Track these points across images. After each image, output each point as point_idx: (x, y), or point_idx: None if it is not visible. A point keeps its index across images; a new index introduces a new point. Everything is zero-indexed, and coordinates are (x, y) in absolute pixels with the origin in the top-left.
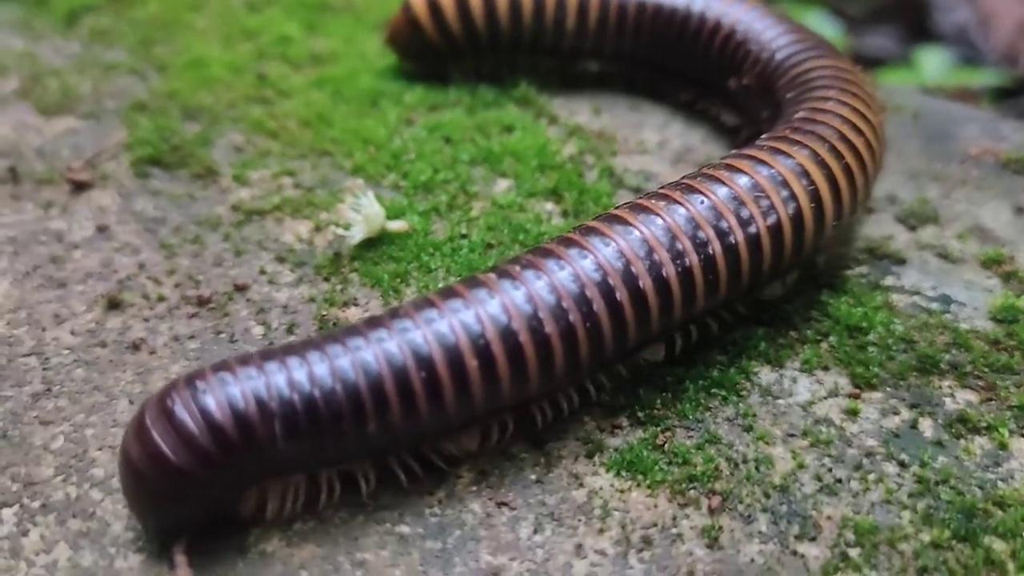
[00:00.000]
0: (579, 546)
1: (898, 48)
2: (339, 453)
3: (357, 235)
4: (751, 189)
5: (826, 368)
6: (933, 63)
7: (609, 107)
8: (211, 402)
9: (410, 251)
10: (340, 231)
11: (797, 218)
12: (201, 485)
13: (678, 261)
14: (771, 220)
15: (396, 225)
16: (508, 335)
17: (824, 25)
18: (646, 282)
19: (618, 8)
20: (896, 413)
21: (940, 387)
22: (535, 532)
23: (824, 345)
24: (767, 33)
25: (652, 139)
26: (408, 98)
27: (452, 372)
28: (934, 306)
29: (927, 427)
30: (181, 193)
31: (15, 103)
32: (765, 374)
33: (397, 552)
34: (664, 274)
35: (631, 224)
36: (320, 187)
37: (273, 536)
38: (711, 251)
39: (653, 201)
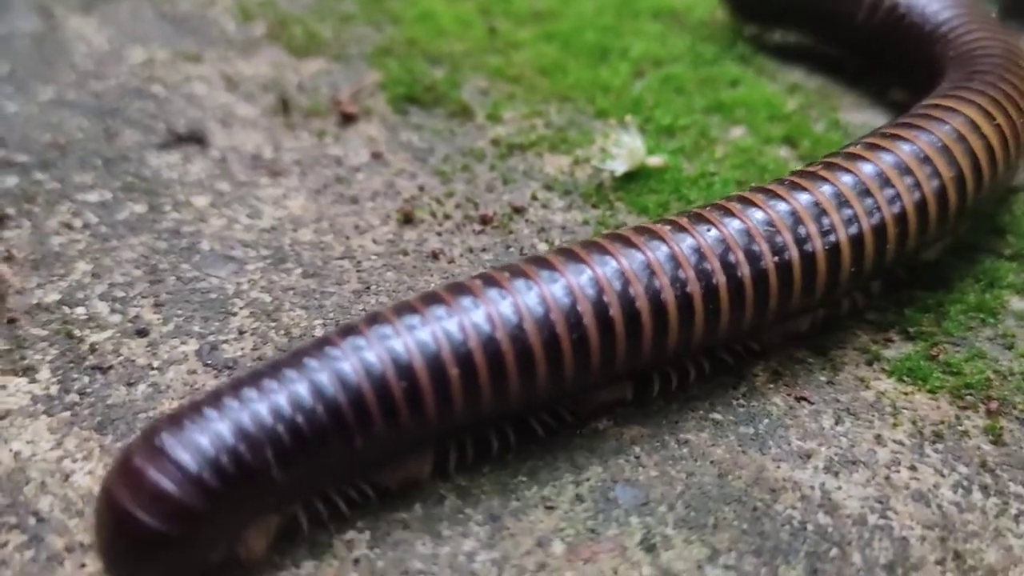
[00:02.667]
0: (878, 436)
1: None
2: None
3: (620, 167)
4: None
5: None
6: None
7: (818, 71)
8: (189, 458)
9: (667, 184)
10: (603, 164)
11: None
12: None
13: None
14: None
15: (654, 160)
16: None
17: None
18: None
19: None
20: None
21: None
22: (836, 423)
23: None
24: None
25: (868, 95)
26: (633, 52)
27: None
28: None
29: None
30: (441, 128)
31: (267, 45)
32: (1016, 302)
33: (715, 434)
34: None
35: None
36: (569, 127)
37: (602, 416)
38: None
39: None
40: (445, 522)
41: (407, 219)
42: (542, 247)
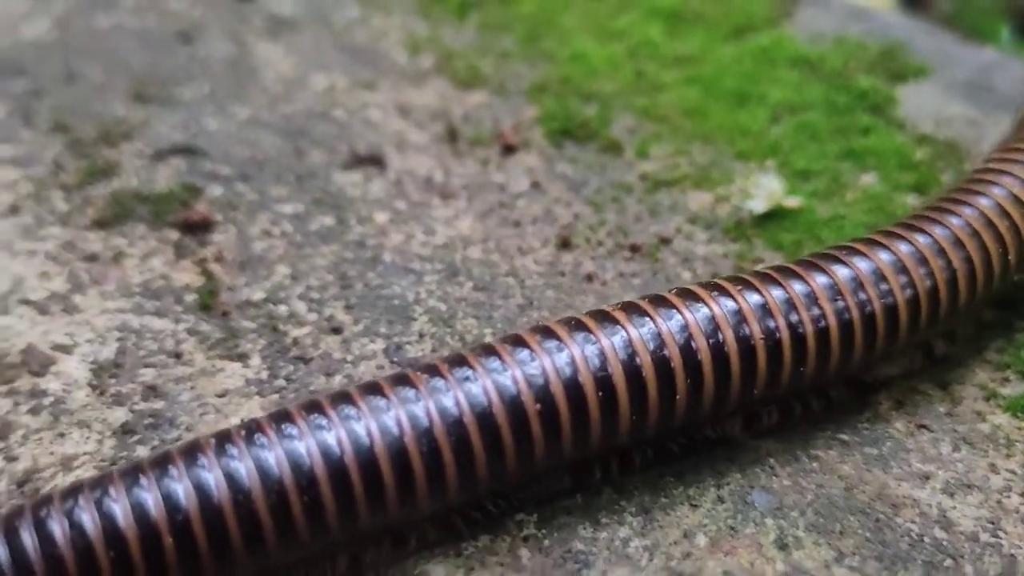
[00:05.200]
0: (992, 464)
1: None
2: None
3: (759, 207)
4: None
5: None
6: None
7: (948, 121)
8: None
9: (802, 225)
10: (743, 203)
11: None
12: None
13: None
14: None
15: (791, 202)
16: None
17: None
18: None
19: None
20: None
21: None
22: (954, 450)
23: None
24: None
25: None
26: (770, 99)
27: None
28: None
29: None
30: (593, 162)
31: (434, 77)
32: None
33: (842, 453)
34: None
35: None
36: (712, 167)
37: (735, 426)
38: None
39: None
40: (603, 511)
41: (564, 244)
42: (686, 276)
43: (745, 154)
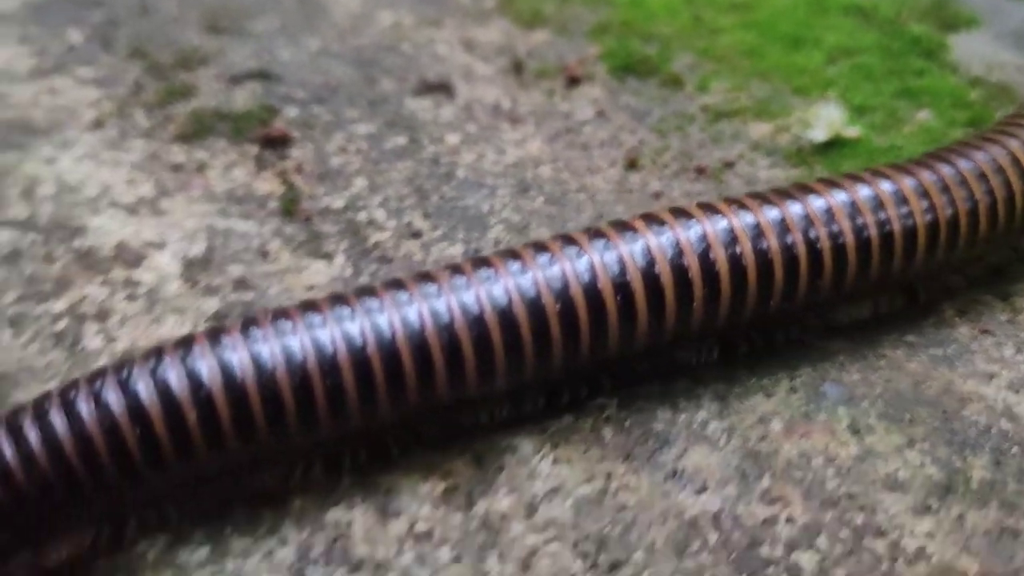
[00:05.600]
0: None
1: None
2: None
3: (819, 135)
4: None
5: None
6: None
7: (999, 67)
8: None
9: (861, 154)
10: (803, 132)
11: None
12: None
13: None
14: None
15: (850, 131)
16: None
17: None
18: None
19: None
20: None
21: None
22: (1016, 353)
23: None
24: None
25: None
26: (825, 43)
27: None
28: None
29: None
30: (655, 95)
31: (497, 16)
32: None
33: (909, 353)
34: None
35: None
36: (770, 101)
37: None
38: None
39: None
40: (680, 397)
41: (631, 164)
42: None
43: (802, 90)
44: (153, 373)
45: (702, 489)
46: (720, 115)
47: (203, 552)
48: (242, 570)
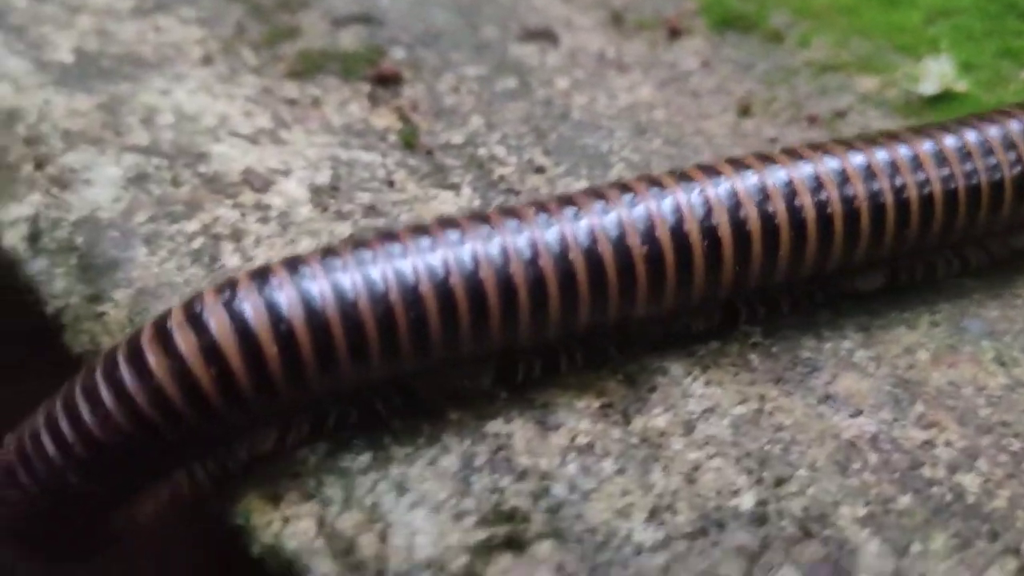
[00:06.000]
0: None
1: None
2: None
3: (929, 89)
4: None
5: None
6: None
7: None
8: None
9: (969, 107)
10: (911, 86)
11: None
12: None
13: None
14: None
15: (960, 85)
16: None
17: None
18: None
19: None
20: None
21: None
22: None
23: None
24: None
25: None
26: (922, 2)
27: None
28: None
29: None
30: (757, 49)
31: None
32: None
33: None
34: None
35: None
36: (873, 56)
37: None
38: None
39: None
40: (824, 328)
41: (744, 111)
42: None
43: (905, 47)
44: (321, 275)
45: (856, 413)
46: (825, 69)
47: (365, 458)
48: (407, 476)
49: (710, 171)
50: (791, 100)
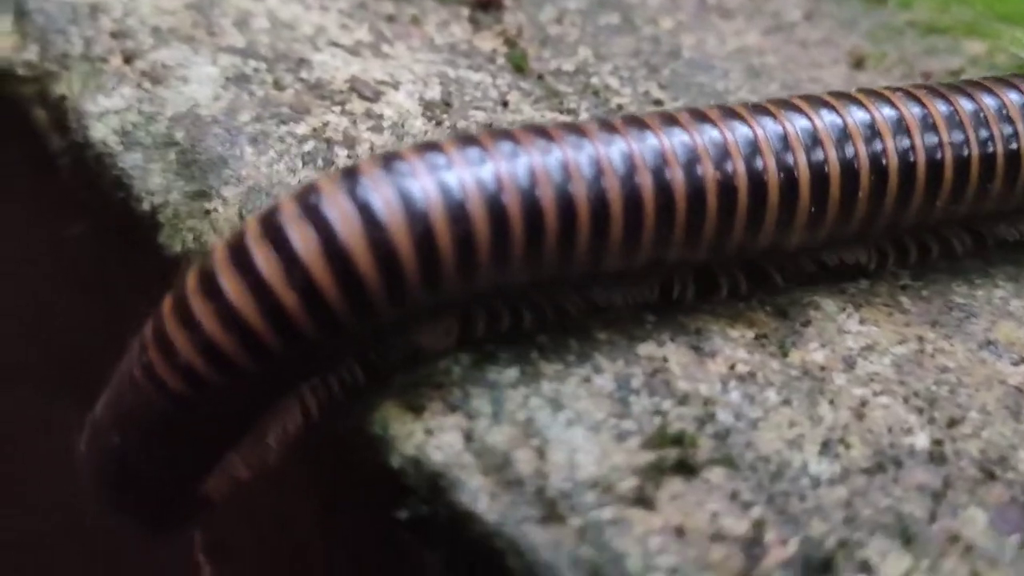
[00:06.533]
0: None
1: None
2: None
3: None
4: None
5: None
6: None
7: None
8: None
9: None
10: (1021, 51)
11: None
12: None
13: None
14: None
15: None
16: None
17: None
18: None
19: None
20: None
21: None
22: None
23: None
24: None
25: None
26: None
27: None
28: None
29: None
30: (858, 7)
31: None
32: None
33: None
34: None
35: None
36: (976, 23)
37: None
38: None
39: None
40: (974, 274)
41: (857, 64)
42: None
43: (1008, 16)
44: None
45: (1019, 361)
46: (930, 30)
47: (513, 372)
48: (560, 392)
49: (875, 96)
50: (901, 57)
